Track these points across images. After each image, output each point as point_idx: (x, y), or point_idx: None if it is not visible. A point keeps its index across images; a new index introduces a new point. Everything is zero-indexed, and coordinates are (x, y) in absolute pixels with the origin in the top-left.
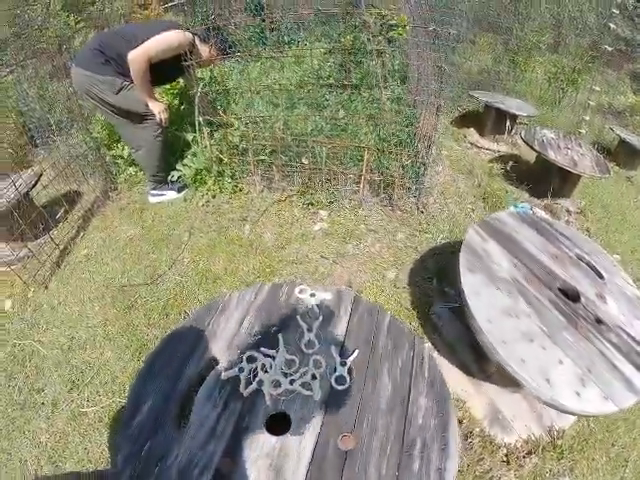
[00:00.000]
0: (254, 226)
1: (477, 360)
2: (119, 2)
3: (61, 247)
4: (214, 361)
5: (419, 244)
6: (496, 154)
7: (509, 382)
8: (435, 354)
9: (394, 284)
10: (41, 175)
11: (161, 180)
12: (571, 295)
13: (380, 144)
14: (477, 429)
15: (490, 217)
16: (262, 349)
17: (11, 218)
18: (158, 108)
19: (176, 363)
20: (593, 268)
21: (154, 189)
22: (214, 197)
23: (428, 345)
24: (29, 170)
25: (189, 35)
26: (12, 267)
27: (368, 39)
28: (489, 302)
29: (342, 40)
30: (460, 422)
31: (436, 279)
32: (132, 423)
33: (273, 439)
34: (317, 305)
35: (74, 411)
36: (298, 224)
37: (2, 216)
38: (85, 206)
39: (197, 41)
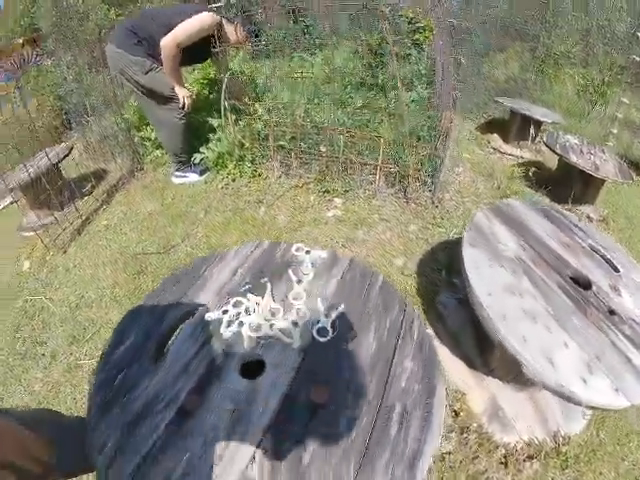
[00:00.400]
0: (269, 208)
1: (481, 353)
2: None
3: (84, 217)
4: (201, 305)
5: (431, 237)
6: (519, 160)
7: (513, 378)
8: (437, 343)
9: (401, 271)
10: (72, 148)
11: (184, 162)
12: (582, 283)
13: (398, 137)
14: (474, 424)
15: (500, 202)
16: (249, 295)
17: (38, 186)
18: (183, 93)
19: (165, 304)
20: (608, 261)
21: (177, 170)
22: (234, 180)
23: (430, 331)
24: (62, 144)
25: (217, 17)
26: (37, 232)
27: (385, 39)
28: (491, 277)
29: (369, 41)
30: (457, 414)
31: (445, 271)
32: (112, 355)
33: (244, 382)
34: (311, 262)
35: (71, 364)
36: (312, 209)
37: (31, 184)
38: (111, 183)
39: (224, 22)
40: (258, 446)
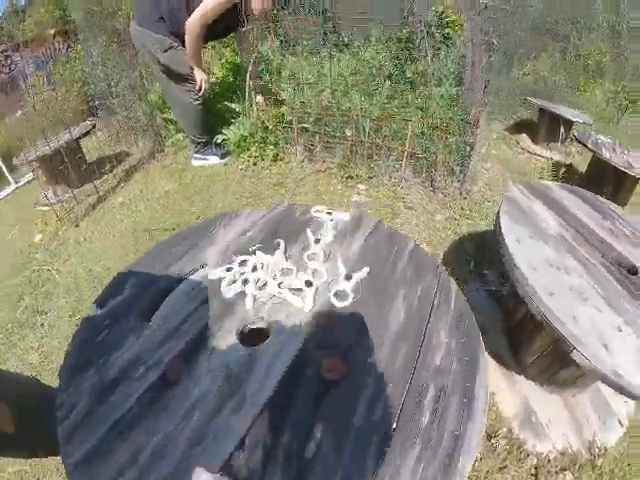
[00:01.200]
0: (290, 192)
1: (512, 350)
2: None
3: (100, 193)
4: (204, 263)
5: (458, 227)
6: (548, 161)
7: (548, 379)
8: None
9: None
10: (94, 126)
11: (203, 144)
12: (628, 269)
13: (426, 123)
14: (504, 429)
15: (535, 182)
16: (258, 252)
17: (57, 159)
18: (201, 76)
19: (166, 261)
20: None
21: (197, 152)
22: (255, 164)
23: None
24: (85, 122)
25: None
26: (52, 206)
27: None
28: (533, 251)
29: (398, 34)
30: None
31: (474, 262)
32: (99, 310)
33: (242, 349)
34: (332, 224)
35: (68, 335)
36: (334, 195)
37: (50, 157)
38: (131, 163)
39: None
40: (250, 429)
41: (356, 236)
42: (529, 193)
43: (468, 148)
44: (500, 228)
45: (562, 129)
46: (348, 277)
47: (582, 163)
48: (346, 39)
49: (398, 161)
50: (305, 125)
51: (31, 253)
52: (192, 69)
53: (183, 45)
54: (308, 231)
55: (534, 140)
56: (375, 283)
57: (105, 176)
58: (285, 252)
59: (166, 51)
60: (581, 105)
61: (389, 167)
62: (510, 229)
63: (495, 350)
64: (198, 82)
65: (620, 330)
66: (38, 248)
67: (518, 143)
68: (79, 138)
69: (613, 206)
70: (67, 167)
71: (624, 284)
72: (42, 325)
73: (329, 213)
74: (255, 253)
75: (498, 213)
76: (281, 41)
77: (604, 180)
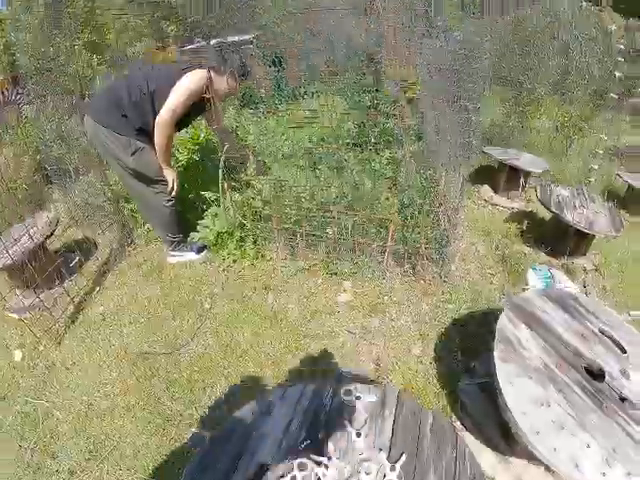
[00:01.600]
0: (277, 296)
1: (505, 438)
2: (139, 46)
3: (76, 301)
4: (263, 465)
5: (443, 315)
6: (511, 211)
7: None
8: (463, 433)
9: (420, 360)
10: (57, 223)
11: (178, 242)
12: (597, 374)
13: (403, 212)
14: None
15: (519, 299)
16: (312, 456)
17: (25, 266)
18: (172, 176)
19: (225, 465)
20: (616, 343)
21: (173, 250)
22: (235, 262)
23: (457, 424)
24: (44, 215)
25: (205, 72)
26: (23, 316)
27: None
28: (522, 392)
29: (360, 100)
30: None
31: (460, 352)
32: None
33: None
34: (363, 408)
35: None
36: (322, 295)
37: (11, 267)
38: (101, 258)
39: (213, 74)
40: None
41: (385, 416)
42: (515, 317)
43: (446, 239)
44: (496, 374)
45: (522, 179)
46: (392, 468)
47: (544, 209)
48: (302, 90)
49: (381, 253)
50: (286, 226)
51: (16, 377)
52: (161, 168)
53: (149, 142)
54: (347, 424)
55: (495, 190)
56: (410, 466)
57: (75, 275)
58: (335, 450)
59: (133, 154)
60: (534, 143)
61: (372, 261)
62: (502, 372)
63: (490, 439)
64: (170, 183)
65: (588, 446)
66: (23, 372)
67: (480, 194)
68: (43, 241)
69: (583, 299)
70: (34, 275)
71: (593, 396)
72: (57, 471)
73: (358, 398)
74: (309, 454)
75: (493, 354)
76: (240, 101)
77: (567, 236)
